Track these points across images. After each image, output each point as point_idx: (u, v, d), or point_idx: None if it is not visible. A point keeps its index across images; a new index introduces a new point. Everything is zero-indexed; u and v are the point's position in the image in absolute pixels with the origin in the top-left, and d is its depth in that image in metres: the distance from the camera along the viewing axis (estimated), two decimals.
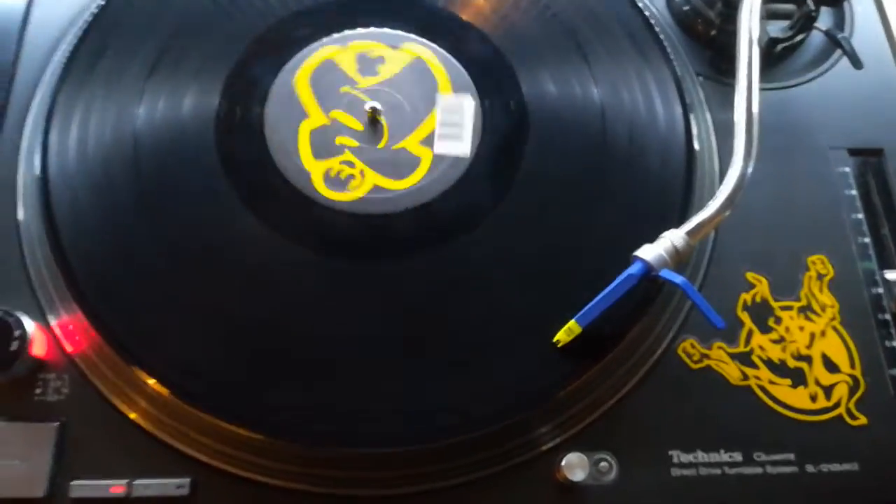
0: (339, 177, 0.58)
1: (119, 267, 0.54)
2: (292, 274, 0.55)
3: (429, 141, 0.59)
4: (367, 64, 0.62)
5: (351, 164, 0.58)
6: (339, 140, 0.59)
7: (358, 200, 0.57)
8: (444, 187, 0.58)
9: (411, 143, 0.59)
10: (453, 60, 0.62)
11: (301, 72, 0.61)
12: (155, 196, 0.56)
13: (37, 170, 0.56)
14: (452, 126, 0.59)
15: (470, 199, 0.57)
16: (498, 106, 0.61)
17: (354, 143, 0.59)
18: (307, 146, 0.59)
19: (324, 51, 0.62)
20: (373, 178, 0.58)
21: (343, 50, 0.62)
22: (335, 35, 0.63)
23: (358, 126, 0.60)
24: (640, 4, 0.65)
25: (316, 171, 0.58)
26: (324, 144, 0.59)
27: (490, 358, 0.52)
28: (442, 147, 0.59)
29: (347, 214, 0.56)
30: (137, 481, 0.50)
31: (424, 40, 0.63)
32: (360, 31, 0.63)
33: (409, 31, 0.63)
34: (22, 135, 0.60)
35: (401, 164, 0.58)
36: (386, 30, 0.63)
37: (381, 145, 0.59)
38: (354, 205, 0.57)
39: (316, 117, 0.60)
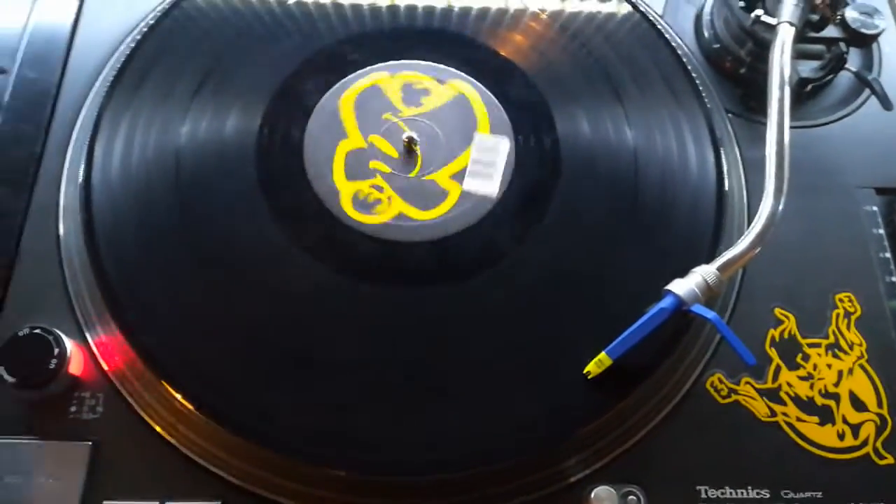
0: (367, 200, 0.59)
1: (157, 285, 0.55)
2: (323, 296, 0.56)
3: (459, 176, 0.60)
4: (412, 94, 0.63)
5: (380, 189, 0.59)
6: (373, 164, 0.60)
7: (381, 225, 0.58)
8: (468, 223, 0.58)
9: (442, 177, 0.60)
10: (495, 101, 0.64)
11: (347, 94, 0.63)
12: (194, 215, 0.57)
13: (80, 188, 0.57)
14: (485, 165, 0.60)
15: (490, 238, 0.58)
16: (532, 144, 0.62)
17: (387, 169, 0.60)
18: (341, 166, 0.60)
19: (372, 76, 0.64)
20: (399, 206, 0.59)
21: (391, 78, 0.64)
22: (386, 63, 0.64)
23: (394, 153, 0.61)
24: (672, 43, 0.66)
25: (346, 191, 0.59)
26: (358, 166, 0.60)
27: (520, 390, 0.53)
28: (471, 184, 0.60)
29: (369, 238, 0.57)
30: (169, 503, 0.51)
31: (471, 78, 0.64)
32: (409, 62, 0.65)
33: (453, 65, 0.65)
34: (66, 157, 0.61)
35: (428, 196, 0.60)
36: (435, 63, 0.65)
37: (412, 174, 0.60)
38: (377, 229, 0.58)
39: (354, 139, 0.61)
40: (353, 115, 0.62)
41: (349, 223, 0.58)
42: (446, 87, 0.64)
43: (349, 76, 0.64)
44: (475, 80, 0.64)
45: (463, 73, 0.64)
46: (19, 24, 0.67)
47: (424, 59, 0.65)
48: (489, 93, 0.64)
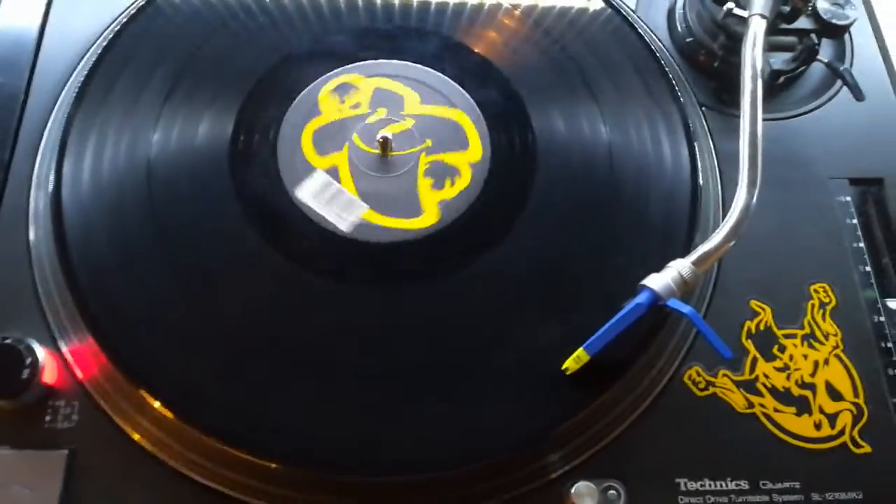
0: None
1: (130, 291, 0.54)
2: (299, 295, 0.55)
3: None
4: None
5: None
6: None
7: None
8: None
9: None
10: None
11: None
12: (165, 220, 0.57)
13: (50, 196, 0.56)
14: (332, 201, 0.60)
15: (467, 236, 0.58)
16: (507, 140, 0.62)
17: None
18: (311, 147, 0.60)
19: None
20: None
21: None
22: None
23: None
24: (646, 38, 0.66)
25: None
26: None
27: (498, 387, 0.53)
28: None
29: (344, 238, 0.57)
30: None
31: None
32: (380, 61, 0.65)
33: (425, 63, 0.65)
34: (35, 162, 0.60)
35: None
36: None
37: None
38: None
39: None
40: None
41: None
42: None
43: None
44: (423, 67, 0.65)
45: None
46: None
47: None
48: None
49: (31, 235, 0.58)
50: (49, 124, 0.62)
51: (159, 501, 0.51)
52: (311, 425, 0.51)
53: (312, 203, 0.57)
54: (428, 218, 0.58)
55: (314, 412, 0.52)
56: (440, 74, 0.65)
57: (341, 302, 0.55)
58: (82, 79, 0.61)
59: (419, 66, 0.65)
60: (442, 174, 0.60)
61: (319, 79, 0.63)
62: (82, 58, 0.65)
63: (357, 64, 0.64)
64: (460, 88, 0.64)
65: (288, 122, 0.61)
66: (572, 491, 0.51)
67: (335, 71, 0.64)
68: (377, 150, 0.61)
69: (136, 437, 0.52)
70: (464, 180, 0.60)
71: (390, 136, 0.60)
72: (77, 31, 0.67)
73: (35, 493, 0.50)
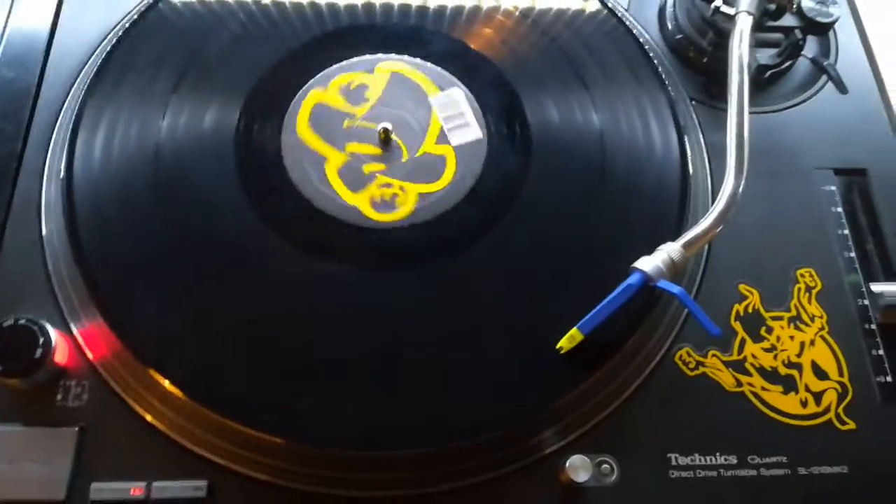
0: (385, 199, 0.61)
1: (139, 273, 0.56)
2: (307, 281, 0.57)
3: (443, 138, 0.63)
4: (353, 94, 0.65)
5: (389, 185, 0.61)
6: (367, 168, 0.62)
7: (411, 215, 0.60)
8: (479, 169, 0.62)
9: (429, 146, 0.63)
10: (426, 64, 0.67)
11: (299, 122, 0.64)
12: (174, 205, 0.59)
13: (62, 182, 0.59)
14: (456, 118, 0.64)
15: (466, 219, 0.60)
16: (503, 132, 0.64)
17: (382, 166, 0.62)
18: (341, 185, 0.61)
19: (311, 96, 0.65)
20: (415, 189, 0.61)
21: (325, 91, 0.65)
22: (316, 77, 0.66)
23: (376, 150, 0.63)
24: (637, 34, 0.69)
25: (362, 203, 0.60)
26: (355, 178, 0.61)
27: (495, 366, 0.55)
28: (457, 138, 0.63)
29: (404, 229, 0.59)
30: (156, 483, 0.52)
31: (393, 55, 0.67)
32: (333, 67, 0.66)
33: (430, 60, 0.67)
34: (47, 154, 0.62)
35: (431, 167, 0.62)
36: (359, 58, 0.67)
37: (404, 159, 0.62)
38: (409, 219, 0.60)
39: (334, 158, 0.62)
40: (317, 138, 0.63)
41: (381, 226, 0.59)
42: (378, 74, 0.66)
43: (290, 108, 0.64)
44: (398, 55, 0.67)
45: (384, 55, 0.67)
46: None
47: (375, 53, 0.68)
48: (415, 59, 0.67)
49: (44, 223, 0.60)
50: (59, 119, 0.64)
51: (166, 476, 0.52)
52: (316, 403, 0.53)
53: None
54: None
55: (319, 390, 0.53)
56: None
57: (347, 282, 0.57)
58: (92, 74, 0.63)
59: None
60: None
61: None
62: (92, 55, 0.67)
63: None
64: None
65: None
66: (567, 465, 0.52)
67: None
68: (379, 149, 0.63)
69: (145, 415, 0.54)
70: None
71: (389, 127, 0.62)
72: (87, 30, 0.69)
73: (46, 467, 0.52)
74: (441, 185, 0.61)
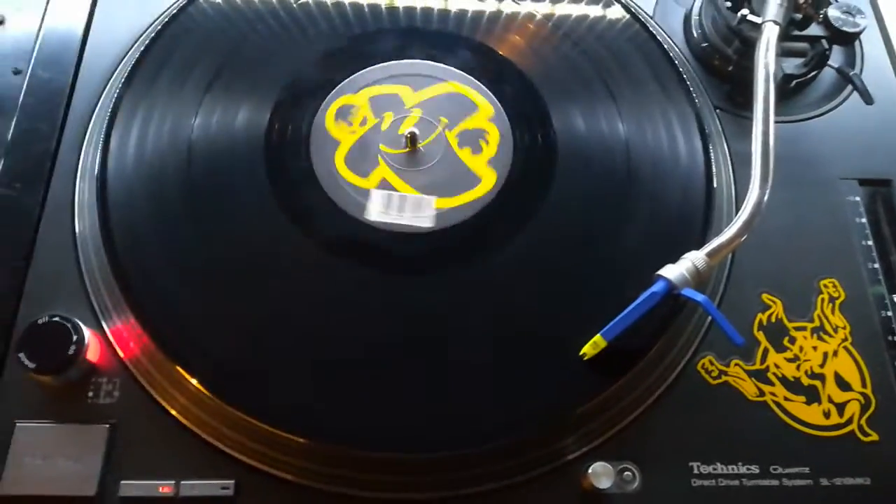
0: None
1: (171, 272, 0.57)
2: (336, 286, 0.58)
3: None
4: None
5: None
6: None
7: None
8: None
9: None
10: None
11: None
12: (206, 206, 0.60)
13: (96, 180, 0.60)
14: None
15: (488, 229, 0.61)
16: (529, 139, 0.65)
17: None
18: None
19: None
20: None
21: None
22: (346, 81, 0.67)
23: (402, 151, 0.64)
24: (663, 43, 0.69)
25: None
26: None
27: (519, 371, 0.55)
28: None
29: (435, 234, 0.60)
30: (184, 482, 0.52)
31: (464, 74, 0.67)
32: (381, 69, 0.67)
33: (454, 66, 0.68)
34: (80, 153, 0.63)
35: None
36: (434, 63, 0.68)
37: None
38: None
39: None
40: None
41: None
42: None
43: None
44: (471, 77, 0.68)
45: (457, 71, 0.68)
46: (33, 26, 0.69)
47: (423, 60, 0.68)
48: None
49: (77, 222, 0.61)
50: (93, 118, 0.65)
51: (195, 474, 0.53)
52: (343, 403, 0.54)
53: (386, 219, 0.60)
54: (488, 180, 0.62)
55: (346, 391, 0.54)
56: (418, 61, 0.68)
57: (370, 286, 0.58)
58: (126, 74, 0.64)
59: (395, 62, 0.68)
60: (474, 139, 0.64)
61: (318, 112, 0.65)
62: (125, 55, 0.68)
63: (340, 85, 0.67)
64: (436, 64, 0.68)
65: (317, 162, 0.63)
66: (589, 472, 0.53)
67: (326, 100, 0.66)
68: (407, 148, 0.63)
69: (175, 412, 0.55)
70: (494, 135, 0.64)
71: (416, 131, 0.63)
72: (120, 31, 0.70)
73: (78, 464, 0.53)
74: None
